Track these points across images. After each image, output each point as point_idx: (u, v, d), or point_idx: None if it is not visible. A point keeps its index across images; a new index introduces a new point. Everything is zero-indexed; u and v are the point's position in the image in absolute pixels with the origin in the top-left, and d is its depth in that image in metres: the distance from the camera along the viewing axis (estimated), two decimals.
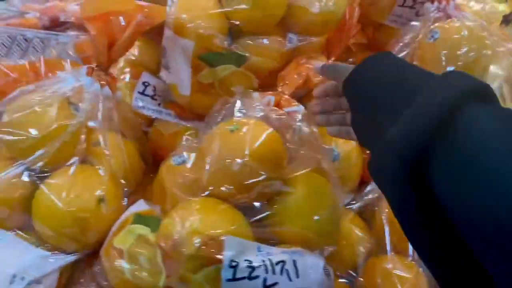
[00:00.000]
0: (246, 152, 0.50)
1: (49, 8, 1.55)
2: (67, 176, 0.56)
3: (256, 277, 0.46)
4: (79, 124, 0.57)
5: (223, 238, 0.47)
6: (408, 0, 0.79)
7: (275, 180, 0.51)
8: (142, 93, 0.71)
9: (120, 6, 0.55)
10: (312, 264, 0.49)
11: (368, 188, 0.67)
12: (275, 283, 0.46)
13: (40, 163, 0.56)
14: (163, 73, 0.70)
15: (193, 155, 0.56)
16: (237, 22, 0.64)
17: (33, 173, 0.57)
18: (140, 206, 0.58)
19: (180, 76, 0.67)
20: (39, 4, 1.61)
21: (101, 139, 0.60)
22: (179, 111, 0.72)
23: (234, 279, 0.45)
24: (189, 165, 0.56)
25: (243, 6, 0.61)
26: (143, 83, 0.71)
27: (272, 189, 0.51)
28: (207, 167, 0.51)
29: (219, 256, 0.46)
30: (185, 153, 0.57)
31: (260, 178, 0.50)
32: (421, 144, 0.30)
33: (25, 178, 0.57)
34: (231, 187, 0.50)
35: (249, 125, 0.53)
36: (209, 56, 0.65)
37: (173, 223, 0.49)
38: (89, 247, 0.57)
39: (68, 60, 0.80)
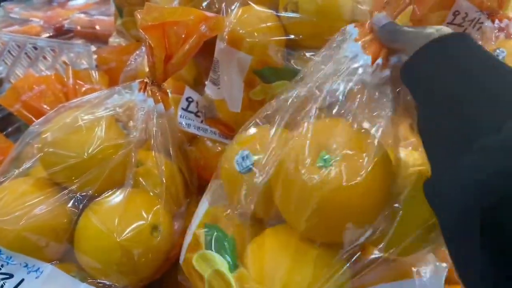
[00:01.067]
0: None
1: (53, 16, 1.48)
2: (116, 202, 0.51)
3: None
4: (131, 145, 0.51)
5: None
6: (458, 18, 0.76)
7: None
8: (186, 109, 0.66)
9: (182, 16, 0.50)
10: None
11: None
12: None
13: (87, 188, 0.50)
14: (210, 89, 0.64)
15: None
16: (296, 36, 0.59)
17: (78, 199, 0.51)
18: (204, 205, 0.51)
19: (231, 91, 0.62)
20: (41, 12, 1.54)
21: (152, 160, 0.55)
22: (223, 128, 0.67)
23: None
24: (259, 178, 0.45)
25: (304, 19, 0.57)
26: (187, 98, 0.66)
27: None
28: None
29: None
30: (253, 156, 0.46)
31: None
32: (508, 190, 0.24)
33: (69, 204, 0.51)
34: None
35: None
36: (265, 71, 0.60)
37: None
38: (142, 280, 0.51)
39: (96, 71, 0.74)
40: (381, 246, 0.41)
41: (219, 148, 0.67)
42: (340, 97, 0.43)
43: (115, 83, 0.81)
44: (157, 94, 0.53)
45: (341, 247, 0.41)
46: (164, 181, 0.54)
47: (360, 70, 0.43)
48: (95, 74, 0.74)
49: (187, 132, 0.66)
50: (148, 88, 0.53)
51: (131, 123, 0.53)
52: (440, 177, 0.31)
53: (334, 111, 0.43)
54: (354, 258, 0.41)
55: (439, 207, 0.31)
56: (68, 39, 1.45)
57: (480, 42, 0.69)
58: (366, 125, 0.43)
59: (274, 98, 0.62)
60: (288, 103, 0.47)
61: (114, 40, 1.08)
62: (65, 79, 0.71)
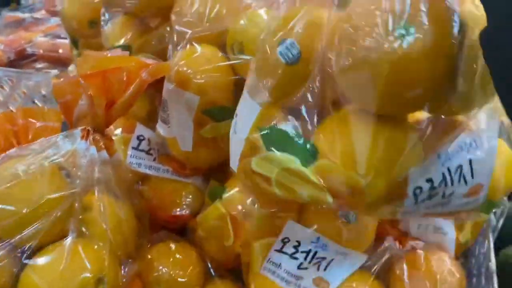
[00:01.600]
0: None
1: (15, 40, 1.46)
2: (58, 255, 0.49)
3: (436, 194, 0.44)
4: (74, 195, 0.50)
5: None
6: None
7: None
8: (137, 148, 0.65)
9: (121, 63, 0.50)
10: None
11: (385, 244, 0.63)
12: (451, 193, 0.44)
13: (29, 243, 0.49)
14: (161, 127, 0.64)
15: None
16: (244, 75, 0.59)
17: (20, 255, 0.49)
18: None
19: (181, 131, 0.61)
20: (3, 35, 1.51)
21: (96, 206, 0.54)
22: (177, 166, 0.66)
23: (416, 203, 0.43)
24: None
25: (251, 58, 0.57)
26: (138, 137, 0.66)
27: None
28: None
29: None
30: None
31: None
32: None
33: (10, 260, 0.49)
34: None
35: None
36: (214, 110, 0.60)
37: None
38: None
39: (49, 107, 0.73)
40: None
41: (172, 186, 0.66)
42: None
43: (71, 118, 0.79)
44: (100, 141, 0.52)
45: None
46: (109, 228, 0.53)
47: None
48: (47, 110, 0.73)
49: (139, 172, 0.65)
50: (90, 135, 0.52)
51: (75, 171, 0.52)
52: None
53: None
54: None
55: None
56: (31, 62, 1.43)
57: None
58: None
59: (225, 135, 0.63)
60: None
61: (73, 68, 1.06)
62: (15, 118, 0.70)
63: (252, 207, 0.57)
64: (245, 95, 0.49)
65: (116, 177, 0.55)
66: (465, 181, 0.45)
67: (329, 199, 0.43)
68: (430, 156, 0.43)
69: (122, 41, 0.70)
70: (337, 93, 0.43)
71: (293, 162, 0.43)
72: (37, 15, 1.70)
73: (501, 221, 0.71)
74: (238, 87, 0.61)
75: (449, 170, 0.44)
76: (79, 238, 0.52)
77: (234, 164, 0.48)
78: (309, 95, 0.44)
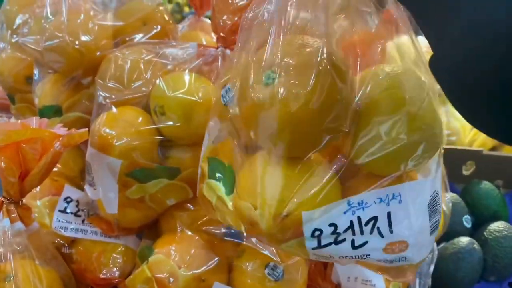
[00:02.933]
0: None
1: None
2: None
3: (342, 240, 0.43)
4: None
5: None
6: None
7: None
8: (64, 211, 0.64)
9: (34, 134, 0.49)
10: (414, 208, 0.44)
11: None
12: (365, 242, 0.44)
13: None
14: (87, 189, 0.63)
15: None
16: (168, 136, 0.60)
17: None
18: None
19: (106, 194, 0.61)
20: None
21: (12, 274, 0.53)
22: (106, 227, 0.65)
23: (319, 247, 0.44)
24: None
25: (174, 123, 0.58)
26: (65, 199, 0.65)
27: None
28: None
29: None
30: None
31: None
32: None
33: None
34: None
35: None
36: (138, 172, 0.60)
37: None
38: None
39: None
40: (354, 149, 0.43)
41: (100, 248, 0.65)
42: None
43: None
44: (14, 212, 0.52)
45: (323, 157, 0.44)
46: None
47: None
48: None
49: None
50: (4, 207, 0.51)
51: None
52: (440, 51, 0.31)
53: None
54: (339, 166, 0.43)
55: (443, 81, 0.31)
56: None
57: None
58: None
59: (152, 196, 0.63)
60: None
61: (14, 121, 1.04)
62: None
63: (177, 270, 0.57)
64: (206, 132, 0.54)
65: (34, 246, 0.54)
66: (381, 234, 0.43)
67: (243, 228, 0.47)
68: (336, 201, 0.43)
69: (51, 101, 0.70)
70: None
71: (221, 190, 0.49)
72: None
73: (432, 267, 0.73)
74: (163, 147, 0.62)
75: (359, 219, 0.43)
76: None
77: (198, 188, 0.54)
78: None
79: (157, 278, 0.58)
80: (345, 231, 0.43)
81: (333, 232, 0.43)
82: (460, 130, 1.13)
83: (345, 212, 0.43)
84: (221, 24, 0.63)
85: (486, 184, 0.96)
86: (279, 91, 0.40)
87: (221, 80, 0.52)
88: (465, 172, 1.02)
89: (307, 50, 0.42)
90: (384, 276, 0.59)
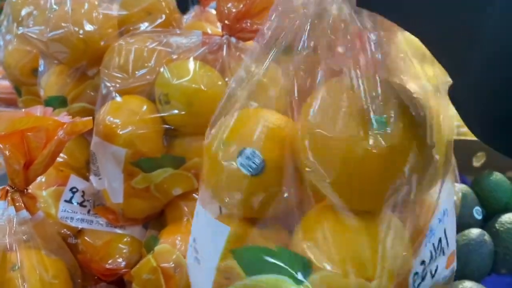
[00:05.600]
0: None
1: None
2: None
3: (426, 274, 0.40)
4: None
5: None
6: None
7: None
8: (69, 201, 0.64)
9: (38, 123, 0.49)
10: None
11: None
12: (437, 268, 0.41)
13: None
14: (92, 179, 0.63)
15: None
16: (172, 125, 0.59)
17: None
18: None
19: (111, 183, 0.61)
20: None
21: (18, 264, 0.53)
22: (112, 217, 0.65)
23: None
24: None
25: (179, 112, 0.57)
26: (71, 189, 0.64)
27: None
28: None
29: None
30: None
31: None
32: None
33: None
34: None
35: None
36: (143, 161, 0.59)
37: None
38: None
39: None
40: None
41: (106, 238, 0.64)
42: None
43: None
44: (19, 200, 0.51)
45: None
46: (35, 284, 0.51)
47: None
48: None
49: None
50: (9, 195, 0.51)
51: None
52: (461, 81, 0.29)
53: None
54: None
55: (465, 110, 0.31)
56: None
57: None
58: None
59: (158, 185, 0.62)
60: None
61: None
62: None
63: (182, 260, 0.57)
64: (201, 215, 0.43)
65: (40, 235, 0.54)
66: (443, 252, 0.42)
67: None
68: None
69: (57, 92, 0.70)
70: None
71: (285, 283, 0.35)
72: None
73: None
74: (168, 136, 0.61)
75: (433, 246, 0.41)
76: None
77: None
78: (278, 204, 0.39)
79: (162, 267, 0.58)
80: (428, 263, 0.40)
81: (423, 270, 0.40)
82: None
83: (426, 245, 0.40)
84: (226, 11, 0.62)
85: (497, 176, 0.94)
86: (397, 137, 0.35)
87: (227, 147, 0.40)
88: (475, 164, 1.01)
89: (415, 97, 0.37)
90: None
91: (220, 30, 0.86)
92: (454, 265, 0.44)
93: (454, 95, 0.31)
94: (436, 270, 0.41)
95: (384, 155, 0.34)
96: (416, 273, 0.39)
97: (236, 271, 0.38)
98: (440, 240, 0.41)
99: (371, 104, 0.35)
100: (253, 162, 0.38)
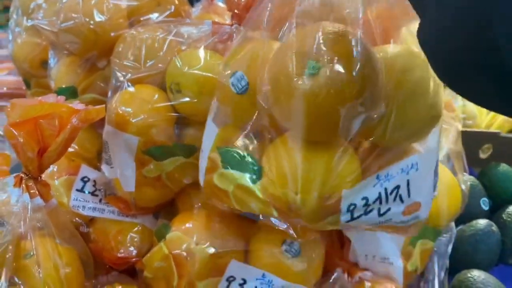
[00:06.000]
0: None
1: None
2: None
3: (371, 210, 0.48)
4: (6, 244, 0.50)
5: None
6: None
7: None
8: (81, 190, 0.64)
9: (51, 110, 0.50)
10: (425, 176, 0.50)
11: (334, 276, 0.63)
12: (388, 209, 0.48)
13: None
14: (104, 168, 0.64)
15: None
16: (184, 114, 0.60)
17: None
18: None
19: (123, 172, 0.61)
20: None
21: (31, 254, 0.53)
22: (123, 206, 0.65)
23: (352, 219, 0.48)
24: None
25: (191, 100, 0.58)
26: (82, 178, 0.65)
27: None
28: None
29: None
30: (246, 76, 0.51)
31: None
32: None
33: None
34: None
35: None
36: (155, 150, 0.60)
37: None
38: None
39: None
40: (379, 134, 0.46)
41: (118, 227, 0.65)
42: None
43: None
44: (34, 187, 0.52)
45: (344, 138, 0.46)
46: (46, 276, 0.52)
47: None
48: None
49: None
50: (23, 183, 0.52)
51: (6, 221, 0.51)
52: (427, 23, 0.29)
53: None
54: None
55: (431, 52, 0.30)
56: None
57: None
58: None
59: (169, 174, 0.63)
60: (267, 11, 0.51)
61: None
62: None
63: (195, 247, 0.57)
64: (208, 120, 0.54)
65: (53, 223, 0.54)
66: (401, 200, 0.49)
67: (274, 213, 0.49)
68: (368, 177, 0.48)
69: (67, 83, 0.70)
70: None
71: (244, 179, 0.49)
72: (4, 51, 1.69)
73: (450, 247, 0.72)
74: (179, 125, 0.62)
75: (386, 189, 0.48)
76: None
77: (201, 180, 0.54)
78: (260, 120, 0.49)
79: (174, 255, 0.58)
80: (374, 202, 0.48)
81: (365, 204, 0.47)
82: (476, 114, 1.11)
83: (374, 186, 0.47)
84: (236, 1, 0.63)
85: (504, 167, 0.94)
86: (325, 81, 0.42)
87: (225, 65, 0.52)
88: (482, 155, 1.01)
89: (348, 39, 0.43)
90: (395, 234, 0.60)
91: (226, 21, 0.87)
92: (417, 214, 0.50)
93: (422, 36, 0.30)
94: (386, 212, 0.48)
95: (314, 95, 0.42)
96: (354, 204, 0.47)
97: (217, 162, 0.51)
98: (397, 187, 0.48)
99: (313, 49, 0.43)
100: (240, 84, 0.50)
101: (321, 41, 0.43)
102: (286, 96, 0.44)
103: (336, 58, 0.42)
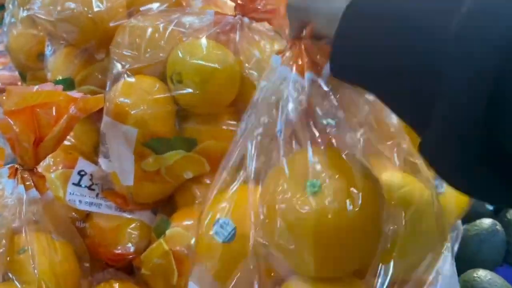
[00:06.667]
0: None
1: None
2: None
3: None
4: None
5: None
6: None
7: None
8: (78, 184, 0.62)
9: (48, 98, 0.48)
10: None
11: None
12: None
13: None
14: (102, 161, 0.62)
15: None
16: (185, 105, 0.58)
17: None
18: None
19: (121, 165, 0.59)
20: None
21: (25, 248, 0.51)
22: (121, 201, 0.63)
23: None
24: None
25: (192, 91, 0.56)
26: (79, 172, 0.63)
27: None
28: None
29: None
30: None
31: None
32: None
33: None
34: None
35: None
36: (155, 142, 0.58)
37: None
38: None
39: None
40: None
41: (115, 223, 0.63)
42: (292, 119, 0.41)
43: None
44: (29, 179, 0.50)
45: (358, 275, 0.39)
46: (40, 271, 0.50)
47: (293, 89, 0.41)
48: None
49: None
50: (18, 174, 0.50)
51: (0, 213, 0.49)
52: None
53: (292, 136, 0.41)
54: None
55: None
56: None
57: None
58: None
59: (169, 168, 0.60)
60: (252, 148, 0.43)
61: None
62: None
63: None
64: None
65: (49, 216, 0.52)
66: None
67: None
68: None
69: (64, 74, 0.68)
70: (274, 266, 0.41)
71: None
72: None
73: (456, 245, 0.70)
74: (179, 117, 0.60)
75: None
76: (4, 284, 0.48)
77: None
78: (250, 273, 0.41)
79: (174, 251, 0.56)
80: None
81: None
82: None
83: None
84: None
85: None
86: (330, 199, 0.36)
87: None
88: None
89: (348, 161, 0.39)
90: None
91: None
92: None
93: (425, 151, 0.31)
94: None
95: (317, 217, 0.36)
96: None
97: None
98: None
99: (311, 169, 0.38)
100: (226, 230, 0.41)
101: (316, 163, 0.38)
102: (291, 222, 0.37)
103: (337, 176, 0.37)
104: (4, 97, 0.47)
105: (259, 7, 0.62)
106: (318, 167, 0.38)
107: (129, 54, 0.59)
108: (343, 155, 0.39)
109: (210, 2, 0.87)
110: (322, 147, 0.39)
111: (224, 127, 0.61)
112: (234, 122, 0.61)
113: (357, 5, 0.33)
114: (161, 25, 0.59)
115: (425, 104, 0.28)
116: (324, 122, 0.41)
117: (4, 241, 0.49)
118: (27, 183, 0.50)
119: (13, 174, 0.50)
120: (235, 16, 0.62)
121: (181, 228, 0.57)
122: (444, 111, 0.27)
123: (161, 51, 0.58)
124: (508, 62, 0.24)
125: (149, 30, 0.59)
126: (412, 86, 0.29)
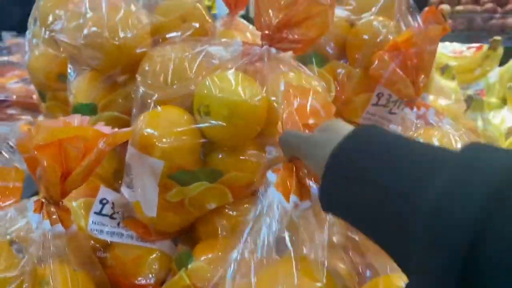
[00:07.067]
0: None
1: None
2: None
3: None
4: (23, 275, 0.47)
5: None
6: (382, 99, 0.77)
7: None
8: (99, 213, 0.61)
9: (77, 132, 0.47)
10: None
11: None
12: None
13: None
14: (125, 191, 0.61)
15: None
16: (211, 138, 0.57)
17: None
18: None
19: (145, 196, 0.58)
20: None
21: (50, 281, 0.50)
22: (142, 231, 0.63)
23: None
24: None
25: (220, 124, 0.55)
26: (101, 200, 0.62)
27: None
28: None
29: None
30: None
31: None
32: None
33: None
34: None
35: None
36: (180, 174, 0.57)
37: None
38: None
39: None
40: None
41: (136, 253, 0.62)
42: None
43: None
44: (55, 213, 0.49)
45: None
46: None
47: (278, 212, 0.45)
48: (6, 170, 0.69)
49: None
50: (44, 208, 0.49)
51: (27, 246, 0.48)
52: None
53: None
54: None
55: None
56: (4, 108, 1.39)
57: (400, 129, 0.70)
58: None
59: (192, 199, 0.60)
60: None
61: (43, 119, 1.03)
62: None
63: (222, 280, 0.54)
64: None
65: (72, 248, 0.52)
66: None
67: None
68: None
69: (88, 99, 0.68)
70: None
71: None
72: (13, 58, 1.68)
73: None
74: (205, 149, 0.59)
75: None
76: None
77: None
78: None
79: (196, 286, 0.55)
80: None
81: None
82: (498, 138, 1.09)
83: None
84: (266, 20, 0.60)
85: None
86: None
87: None
88: None
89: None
90: None
91: (248, 38, 0.85)
92: None
93: None
94: None
95: None
96: None
97: None
98: None
99: None
100: None
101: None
102: None
103: None
104: (33, 130, 0.47)
105: (286, 37, 0.61)
106: None
107: (156, 84, 0.58)
108: None
109: (231, 26, 0.87)
110: None
111: (248, 158, 0.60)
112: (259, 153, 0.60)
113: (340, 163, 0.36)
114: (190, 55, 0.59)
115: (402, 253, 0.31)
116: None
117: (28, 276, 0.48)
118: (53, 217, 0.49)
119: (39, 208, 0.49)
120: (262, 46, 0.61)
121: (204, 263, 0.56)
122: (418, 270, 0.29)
123: (189, 83, 0.57)
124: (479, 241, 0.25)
125: (177, 60, 0.59)
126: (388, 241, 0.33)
